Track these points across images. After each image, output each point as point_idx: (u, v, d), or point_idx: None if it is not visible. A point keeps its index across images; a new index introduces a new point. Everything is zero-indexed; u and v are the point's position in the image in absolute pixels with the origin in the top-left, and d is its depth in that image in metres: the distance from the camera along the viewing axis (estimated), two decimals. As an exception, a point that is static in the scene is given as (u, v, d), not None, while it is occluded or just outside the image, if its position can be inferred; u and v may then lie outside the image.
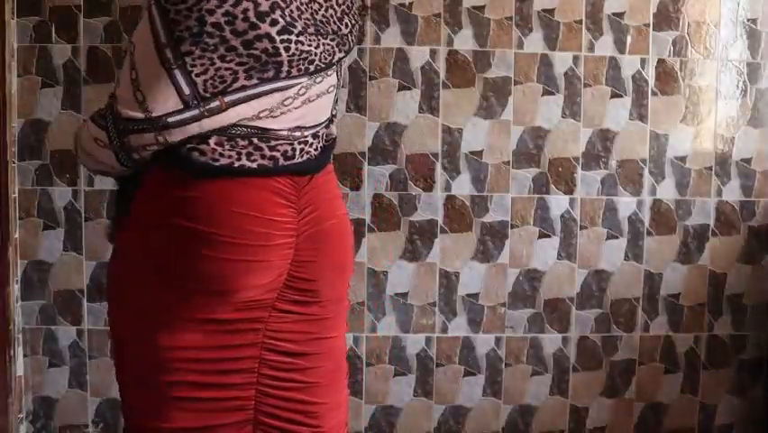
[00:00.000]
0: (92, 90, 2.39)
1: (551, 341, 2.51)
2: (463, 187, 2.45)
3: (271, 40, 1.12)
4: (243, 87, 1.15)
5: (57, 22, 2.36)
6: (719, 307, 2.53)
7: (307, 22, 1.18)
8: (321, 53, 1.19)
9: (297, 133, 1.24)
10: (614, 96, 2.46)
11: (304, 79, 1.20)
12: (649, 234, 2.50)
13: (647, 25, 2.45)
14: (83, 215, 2.41)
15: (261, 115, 1.18)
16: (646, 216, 2.49)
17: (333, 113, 1.37)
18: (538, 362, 2.51)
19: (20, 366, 2.42)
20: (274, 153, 1.21)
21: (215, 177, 1.17)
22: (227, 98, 1.14)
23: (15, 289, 2.39)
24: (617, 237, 2.49)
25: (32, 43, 2.37)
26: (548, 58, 2.44)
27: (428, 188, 2.43)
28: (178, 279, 1.19)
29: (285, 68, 1.15)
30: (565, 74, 2.45)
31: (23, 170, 2.40)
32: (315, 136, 1.29)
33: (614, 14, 2.44)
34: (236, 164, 1.18)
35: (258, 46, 1.12)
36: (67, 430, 2.47)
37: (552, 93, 2.44)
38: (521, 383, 2.51)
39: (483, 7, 2.41)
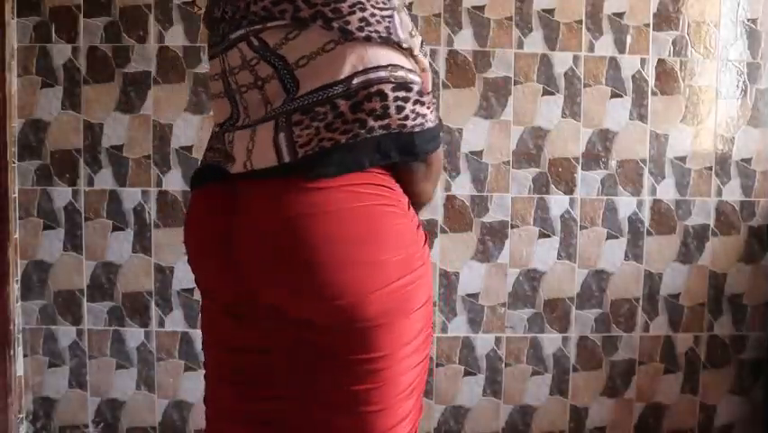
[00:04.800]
0: (92, 90, 2.39)
1: (551, 341, 2.51)
2: (463, 187, 2.45)
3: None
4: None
5: (57, 22, 2.36)
6: (719, 307, 2.53)
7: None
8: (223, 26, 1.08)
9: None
10: (614, 96, 2.46)
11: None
12: (649, 234, 2.50)
13: (647, 25, 2.45)
14: (83, 215, 2.41)
15: None
16: (646, 216, 2.49)
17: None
18: (538, 362, 2.51)
19: (20, 366, 2.42)
20: None
21: None
22: None
23: (15, 289, 2.39)
24: (617, 237, 2.49)
25: (31, 43, 2.37)
26: (548, 58, 2.44)
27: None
28: None
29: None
30: (565, 74, 2.45)
31: (23, 170, 2.40)
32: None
33: (614, 14, 2.44)
34: None
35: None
36: (67, 430, 2.47)
37: (552, 93, 2.45)
38: (521, 383, 2.51)
39: (483, 7, 2.41)
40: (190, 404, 2.46)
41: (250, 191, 1.03)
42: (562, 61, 2.44)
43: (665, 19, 2.45)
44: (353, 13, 1.00)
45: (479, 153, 2.44)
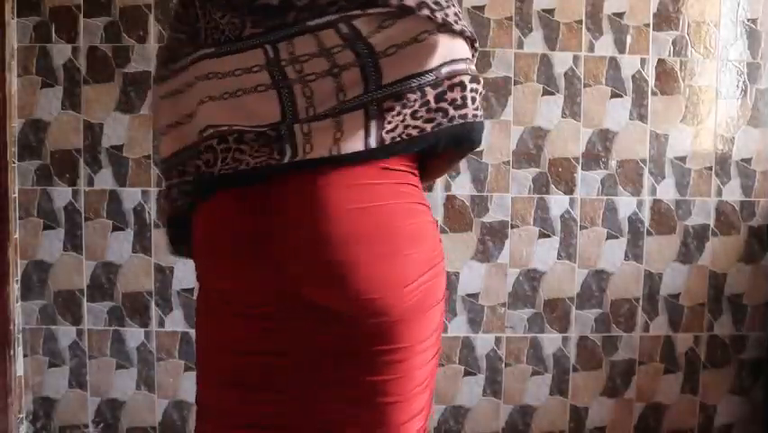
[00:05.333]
0: (92, 90, 2.39)
1: (551, 341, 2.51)
2: (463, 187, 2.45)
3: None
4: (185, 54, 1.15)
5: (57, 22, 2.36)
6: (719, 307, 2.53)
7: None
8: (227, 23, 1.07)
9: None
10: (614, 96, 2.46)
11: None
12: (649, 234, 2.50)
13: (647, 25, 2.45)
14: (83, 215, 2.41)
15: None
16: (646, 216, 2.49)
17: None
18: (538, 362, 2.51)
19: (20, 366, 2.42)
20: None
21: None
22: None
23: (15, 289, 2.39)
24: (617, 237, 2.49)
25: (31, 43, 2.37)
26: (548, 58, 2.44)
27: (428, 188, 2.43)
28: None
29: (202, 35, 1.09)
30: (565, 74, 2.45)
31: (23, 170, 2.40)
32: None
33: (614, 14, 2.44)
34: None
35: None
36: (67, 430, 2.47)
37: (552, 93, 2.45)
38: (521, 383, 2.51)
39: (483, 7, 2.41)
40: (190, 404, 2.46)
41: (302, 188, 1.03)
42: (562, 61, 2.44)
43: (665, 19, 2.45)
44: (450, 6, 1.05)
45: (479, 153, 2.44)
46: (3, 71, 2.30)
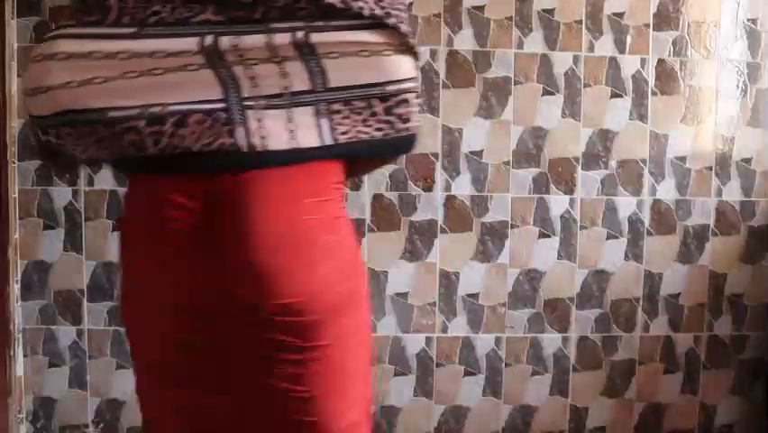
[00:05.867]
0: (92, 90, 2.38)
1: (551, 341, 2.51)
2: (463, 187, 2.45)
3: None
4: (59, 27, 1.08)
5: (57, 22, 2.36)
6: (719, 307, 2.53)
7: None
8: (173, 9, 1.04)
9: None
10: (614, 96, 2.46)
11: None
12: (649, 234, 2.50)
13: (647, 25, 2.45)
14: (83, 215, 2.41)
15: None
16: (646, 216, 2.49)
17: None
18: (538, 362, 2.51)
19: (20, 366, 2.42)
20: None
21: None
22: None
23: (15, 289, 2.39)
24: (616, 237, 2.49)
25: (31, 43, 2.36)
26: (548, 58, 2.44)
27: (428, 188, 2.43)
28: None
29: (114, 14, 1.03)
30: (565, 74, 2.45)
31: (23, 170, 2.40)
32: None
33: (614, 14, 2.44)
34: None
35: None
36: (67, 430, 2.47)
37: (552, 93, 2.45)
38: (521, 383, 2.51)
39: (483, 7, 2.41)
40: (190, 404, 2.46)
41: (243, 183, 1.04)
42: (562, 61, 2.44)
43: (665, 19, 2.45)
44: (402, 22, 1.08)
45: (479, 153, 2.44)
46: (3, 71, 2.30)
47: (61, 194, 2.41)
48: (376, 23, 1.05)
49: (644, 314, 2.52)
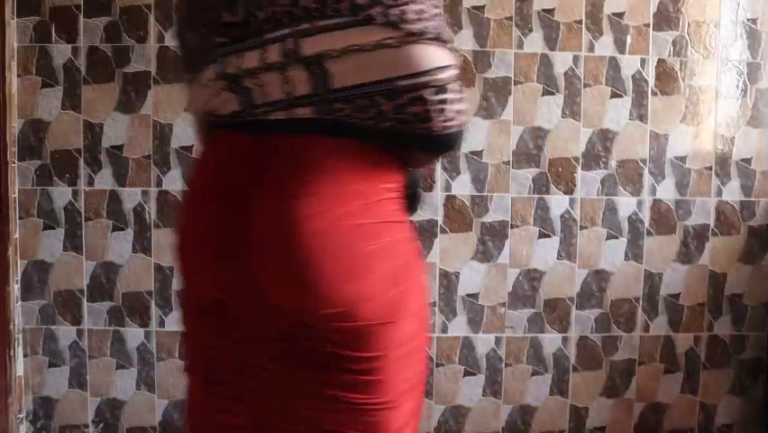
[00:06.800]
0: (92, 90, 2.39)
1: (551, 341, 2.51)
2: (463, 187, 2.45)
3: None
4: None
5: (57, 22, 2.36)
6: (719, 307, 2.53)
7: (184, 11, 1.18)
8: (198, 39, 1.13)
9: None
10: (614, 96, 2.46)
11: None
12: (649, 234, 2.50)
13: (647, 25, 2.45)
14: (83, 215, 2.41)
15: None
16: (646, 216, 2.49)
17: None
18: (538, 362, 2.51)
19: (20, 366, 2.42)
20: None
21: None
22: None
23: (15, 289, 2.39)
24: (616, 237, 2.49)
25: (31, 43, 2.37)
26: (548, 58, 2.44)
27: (428, 188, 2.43)
28: None
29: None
30: (565, 74, 2.45)
31: (23, 170, 2.40)
32: None
33: (614, 14, 2.44)
34: None
35: None
36: (67, 430, 2.47)
37: (552, 93, 2.45)
38: (521, 383, 2.51)
39: (483, 7, 2.41)
40: (190, 404, 2.46)
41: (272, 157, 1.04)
42: (562, 61, 2.44)
43: (665, 19, 2.45)
44: (409, 2, 0.99)
45: (479, 153, 2.44)
46: (3, 71, 2.30)
47: (61, 194, 2.41)
48: (366, 18, 0.98)
49: (644, 314, 2.52)
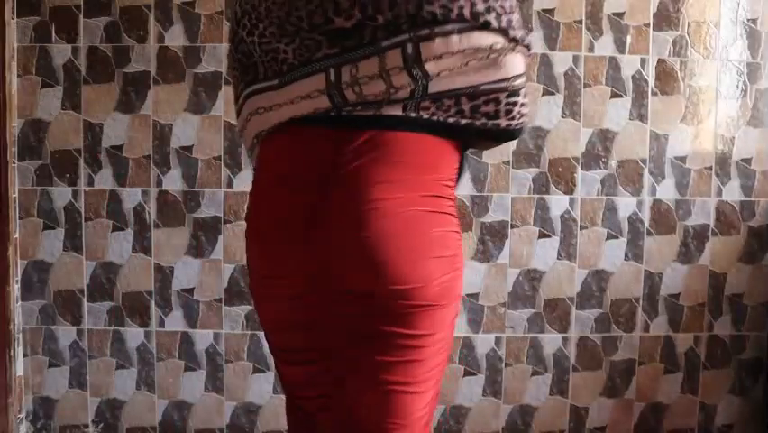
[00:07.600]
0: (92, 90, 2.39)
1: (551, 341, 2.51)
2: (463, 187, 2.44)
3: (245, 41, 1.16)
4: (241, 91, 1.21)
5: (57, 22, 2.36)
6: (719, 307, 2.53)
7: (273, 21, 1.14)
8: (294, 50, 1.12)
9: None
10: (614, 96, 2.46)
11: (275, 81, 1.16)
12: (649, 234, 2.50)
13: (647, 25, 2.45)
14: (83, 215, 2.41)
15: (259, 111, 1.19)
16: (646, 216, 2.49)
17: None
18: (538, 362, 2.51)
19: (20, 366, 2.42)
20: None
21: None
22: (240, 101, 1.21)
23: (15, 289, 2.39)
24: (616, 237, 2.49)
25: (31, 43, 2.37)
26: (548, 58, 2.44)
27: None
28: None
29: (261, 69, 1.16)
30: (565, 74, 2.45)
31: (23, 170, 2.40)
32: None
33: (614, 14, 2.44)
34: None
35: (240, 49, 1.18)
36: (67, 430, 2.47)
37: (552, 93, 2.45)
38: (521, 383, 2.51)
39: (483, 7, 2.41)
40: (190, 404, 2.46)
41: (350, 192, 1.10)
42: (562, 61, 2.44)
43: (665, 19, 2.45)
44: (514, 12, 1.11)
45: (478, 153, 2.44)
46: (3, 71, 2.30)
47: (61, 194, 2.41)
48: (483, 24, 1.07)
49: (643, 314, 2.51)
